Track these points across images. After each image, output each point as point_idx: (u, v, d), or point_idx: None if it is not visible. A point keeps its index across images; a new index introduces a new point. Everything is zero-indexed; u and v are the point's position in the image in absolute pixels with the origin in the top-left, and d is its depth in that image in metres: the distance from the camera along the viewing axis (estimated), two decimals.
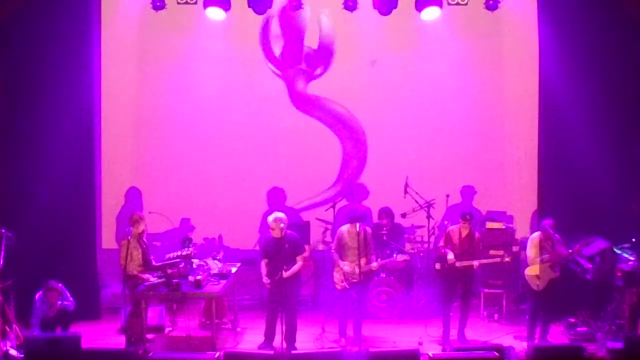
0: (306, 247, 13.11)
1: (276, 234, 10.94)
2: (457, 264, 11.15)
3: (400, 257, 11.67)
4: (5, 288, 11.02)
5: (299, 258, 11.05)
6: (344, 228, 11.28)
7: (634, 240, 11.53)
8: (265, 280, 11.01)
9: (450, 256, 11.15)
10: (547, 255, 11.09)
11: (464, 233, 11.30)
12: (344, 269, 11.11)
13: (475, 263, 11.21)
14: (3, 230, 11.20)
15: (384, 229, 12.54)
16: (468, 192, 13.82)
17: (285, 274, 10.80)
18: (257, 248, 12.59)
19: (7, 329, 10.91)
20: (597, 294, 11.92)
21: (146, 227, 11.46)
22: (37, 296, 11.14)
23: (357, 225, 11.08)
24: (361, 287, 11.14)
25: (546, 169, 13.03)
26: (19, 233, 11.38)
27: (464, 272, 11.24)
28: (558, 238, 11.12)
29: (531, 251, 11.23)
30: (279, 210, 11.41)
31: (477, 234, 11.44)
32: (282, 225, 10.90)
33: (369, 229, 11.39)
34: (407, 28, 13.65)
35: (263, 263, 11.10)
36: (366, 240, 11.17)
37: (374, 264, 11.29)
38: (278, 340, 10.92)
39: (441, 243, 11.44)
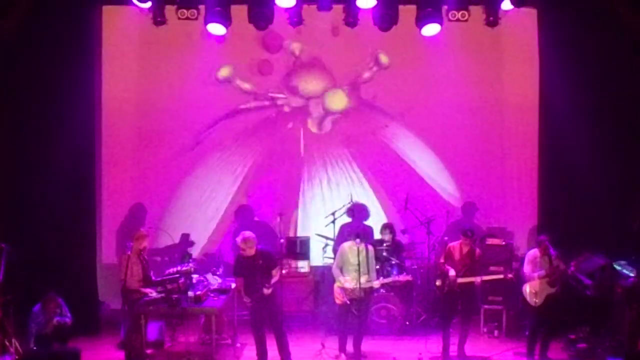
0: (306, 262, 13.21)
1: (248, 252, 10.81)
2: (459, 280, 11.13)
3: (403, 278, 11.62)
4: (4, 303, 11.01)
5: (274, 272, 10.94)
6: (347, 244, 11.25)
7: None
8: (246, 299, 10.87)
9: (452, 272, 11.13)
10: (544, 271, 11.08)
11: (465, 249, 11.27)
12: (345, 284, 11.09)
13: (478, 279, 11.21)
14: (3, 245, 11.18)
15: (385, 244, 12.52)
16: (470, 208, 13.83)
17: (267, 291, 10.76)
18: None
19: (7, 343, 10.88)
20: (597, 310, 11.89)
21: (148, 244, 11.45)
22: (35, 306, 11.16)
23: (358, 241, 11.08)
24: (361, 303, 11.11)
25: (546, 185, 13.04)
26: (19, 248, 11.34)
27: (465, 288, 11.21)
28: (555, 253, 11.09)
29: (528, 267, 11.22)
30: (247, 225, 11.21)
31: (478, 251, 11.41)
32: (251, 243, 10.74)
33: (371, 248, 11.34)
34: (407, 44, 13.68)
35: (238, 282, 10.99)
36: (368, 258, 11.13)
37: (376, 282, 11.27)
38: (272, 357, 10.92)
39: (442, 259, 11.41)
